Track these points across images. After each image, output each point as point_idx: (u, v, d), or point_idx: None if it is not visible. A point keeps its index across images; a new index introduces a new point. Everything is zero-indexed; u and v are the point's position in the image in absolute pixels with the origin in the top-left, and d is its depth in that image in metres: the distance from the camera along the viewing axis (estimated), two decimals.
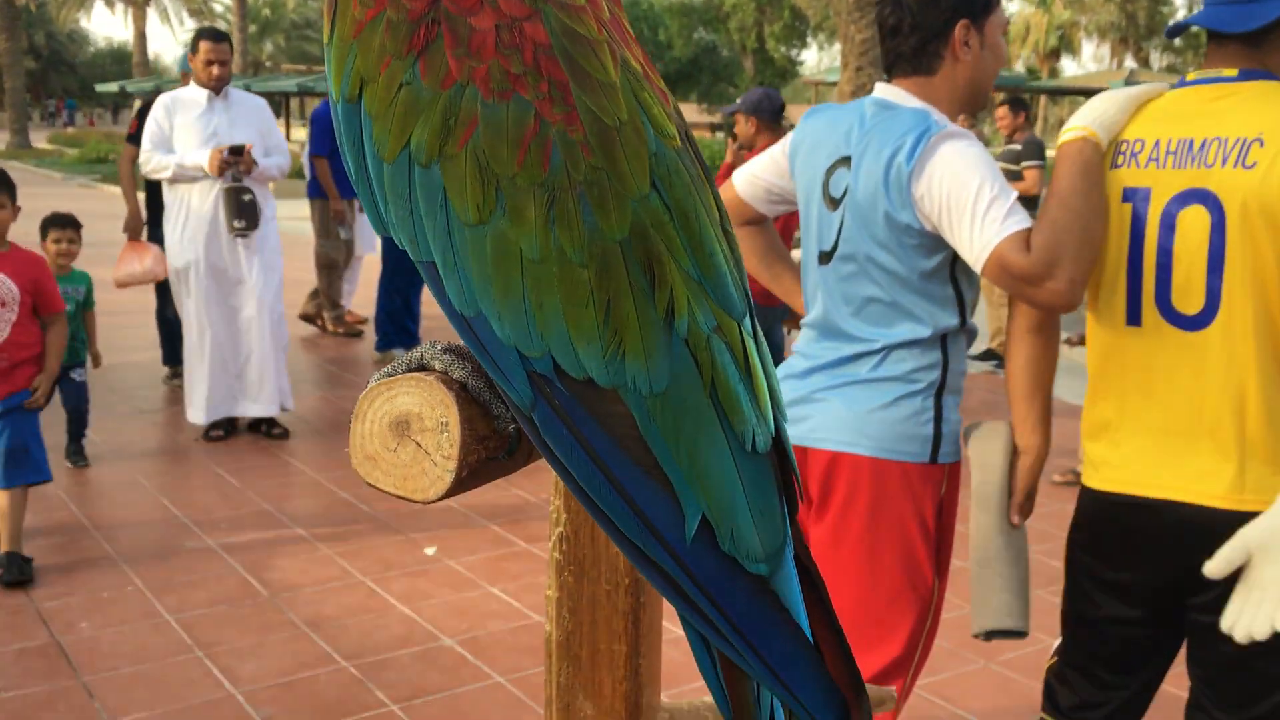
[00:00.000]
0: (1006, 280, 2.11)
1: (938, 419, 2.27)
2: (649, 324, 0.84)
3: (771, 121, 6.19)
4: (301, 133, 35.99)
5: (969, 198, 2.13)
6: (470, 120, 0.85)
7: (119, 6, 47.45)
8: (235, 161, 5.56)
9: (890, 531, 2.28)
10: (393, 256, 7.72)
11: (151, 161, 5.70)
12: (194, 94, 5.81)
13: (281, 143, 6.03)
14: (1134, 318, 2.07)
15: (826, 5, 32.03)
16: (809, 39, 46.98)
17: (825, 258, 2.35)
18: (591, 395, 0.84)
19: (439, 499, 0.78)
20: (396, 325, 7.70)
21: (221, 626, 3.79)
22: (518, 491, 5.15)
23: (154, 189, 6.44)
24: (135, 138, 7.75)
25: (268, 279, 5.85)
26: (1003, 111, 8.69)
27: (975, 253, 2.13)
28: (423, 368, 0.88)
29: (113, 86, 38.88)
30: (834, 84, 20.63)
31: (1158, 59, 39.98)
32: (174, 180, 5.74)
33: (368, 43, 0.89)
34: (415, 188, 0.87)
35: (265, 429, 6.05)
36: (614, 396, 0.84)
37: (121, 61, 57.31)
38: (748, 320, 0.91)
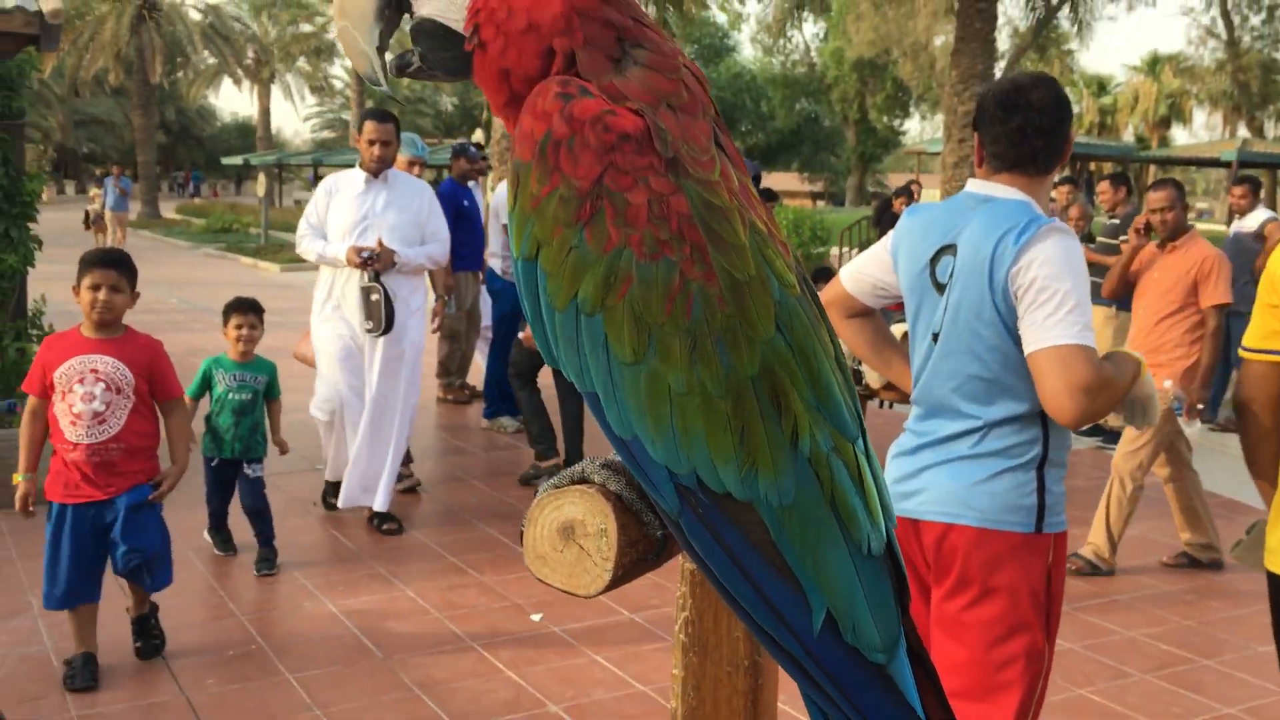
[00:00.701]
0: (1054, 376, 2.24)
1: (1040, 490, 2.38)
2: (777, 446, 1.02)
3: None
4: None
5: (1057, 292, 2.27)
6: (627, 277, 1.03)
7: (245, 84, 49.80)
8: (372, 259, 5.39)
9: (1000, 600, 2.37)
10: (502, 328, 7.96)
11: (301, 244, 5.67)
12: (355, 176, 5.69)
13: (441, 229, 5.82)
14: None
15: (929, 77, 32.12)
16: (911, 109, 46.97)
17: (932, 339, 2.48)
18: (730, 506, 1.01)
19: (598, 594, 0.91)
20: (504, 393, 7.92)
21: (337, 686, 3.95)
22: None
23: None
24: None
25: (400, 376, 5.64)
26: (1104, 186, 8.73)
27: (1039, 337, 2.27)
28: (584, 480, 1.04)
29: (237, 159, 40.79)
30: (936, 154, 20.63)
31: (1272, 128, 39.02)
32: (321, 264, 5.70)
33: (544, 213, 1.08)
34: (581, 332, 1.05)
35: (376, 523, 5.72)
36: (749, 507, 1.01)
37: (245, 135, 60.09)
38: (861, 441, 1.08)
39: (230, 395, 5.08)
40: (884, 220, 12.65)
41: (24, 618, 4.47)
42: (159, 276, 17.36)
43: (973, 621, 2.39)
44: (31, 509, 3.87)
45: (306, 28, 47.16)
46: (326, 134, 62.18)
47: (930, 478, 2.45)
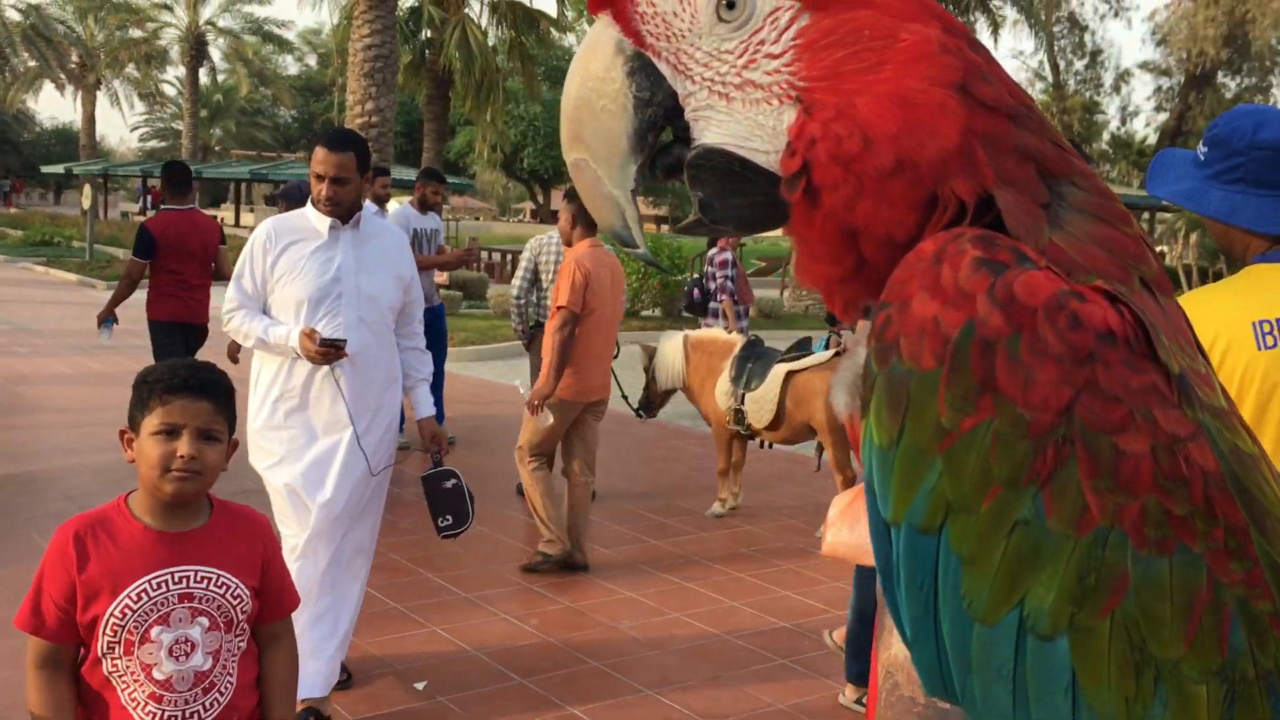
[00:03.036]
0: None
1: None
2: None
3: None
4: (251, 219, 35.73)
5: None
6: (1118, 579, 0.66)
7: (69, 89, 47.16)
8: (335, 354, 3.62)
9: None
10: None
11: (232, 322, 3.74)
12: (309, 220, 3.77)
13: (418, 294, 4.02)
14: None
15: None
16: None
17: None
18: None
19: None
20: None
21: None
22: None
23: None
24: (146, 245, 6.38)
25: (380, 501, 3.98)
26: None
27: None
28: None
29: (58, 168, 38.48)
30: None
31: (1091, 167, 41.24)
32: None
33: (962, 460, 0.70)
34: (1026, 663, 0.67)
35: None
36: None
37: (67, 143, 56.79)
38: None
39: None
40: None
41: None
42: None
43: None
44: None
45: (137, 33, 44.93)
46: (156, 144, 59.50)
47: None
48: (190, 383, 2.06)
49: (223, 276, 6.35)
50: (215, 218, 7.01)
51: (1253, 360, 1.94)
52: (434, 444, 3.96)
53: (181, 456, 2.01)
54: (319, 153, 3.74)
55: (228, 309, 3.75)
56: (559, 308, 5.37)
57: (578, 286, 5.34)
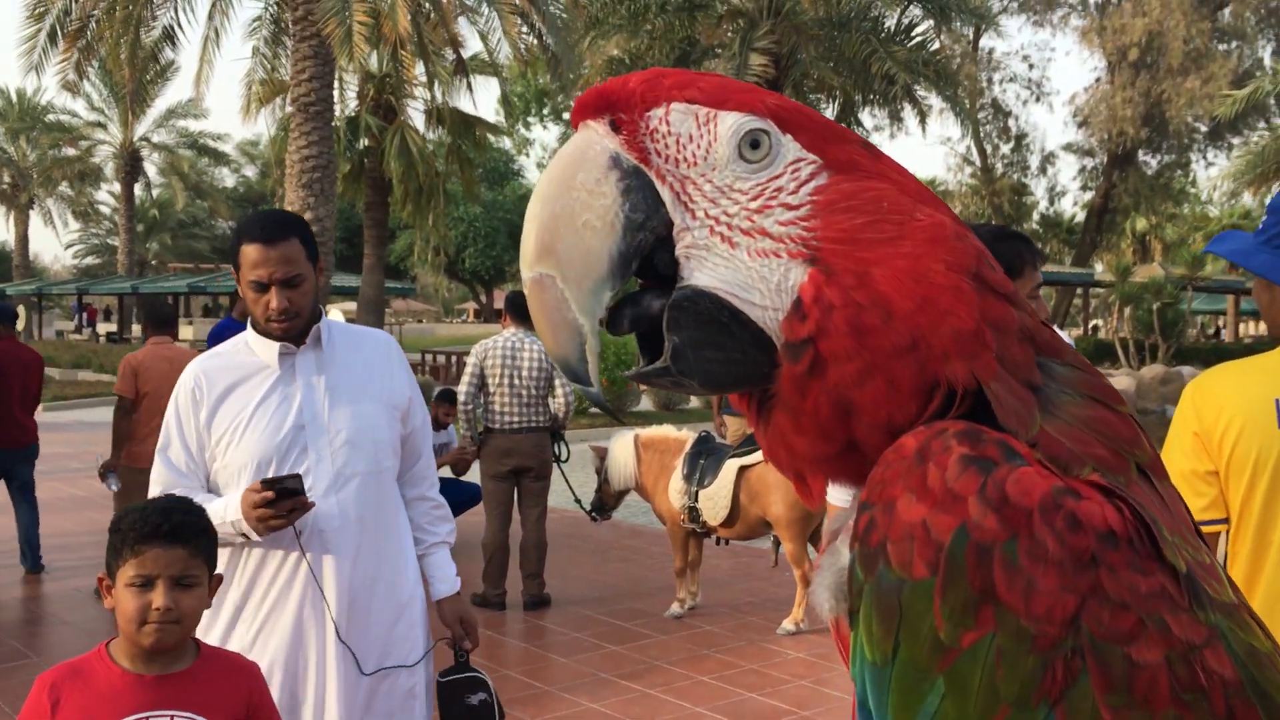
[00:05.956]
0: None
1: None
2: None
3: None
4: (189, 331, 35.33)
5: None
6: None
7: (1, 210, 46.73)
8: (292, 506, 2.46)
9: None
10: None
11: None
12: (252, 351, 2.69)
13: (422, 422, 2.84)
14: None
15: None
16: None
17: None
18: None
19: None
20: None
21: None
22: None
23: None
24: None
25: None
26: None
27: None
28: None
29: None
30: None
31: None
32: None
33: (965, 678, 0.63)
34: None
35: None
36: None
37: (0, 262, 56.14)
38: None
39: None
40: None
41: None
42: None
43: None
44: None
45: (70, 151, 44.78)
46: (92, 260, 58.96)
47: None
48: (162, 530, 1.98)
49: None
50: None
51: (1270, 439, 1.92)
52: (460, 631, 2.83)
53: (157, 609, 1.95)
54: (252, 252, 2.56)
55: (157, 482, 2.63)
56: None
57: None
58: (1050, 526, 0.65)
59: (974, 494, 0.67)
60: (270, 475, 2.52)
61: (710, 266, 0.78)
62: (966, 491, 0.67)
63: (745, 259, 0.78)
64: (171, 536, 1.97)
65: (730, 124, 0.78)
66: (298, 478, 2.48)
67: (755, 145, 0.79)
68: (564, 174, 0.79)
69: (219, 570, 2.41)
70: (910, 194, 0.79)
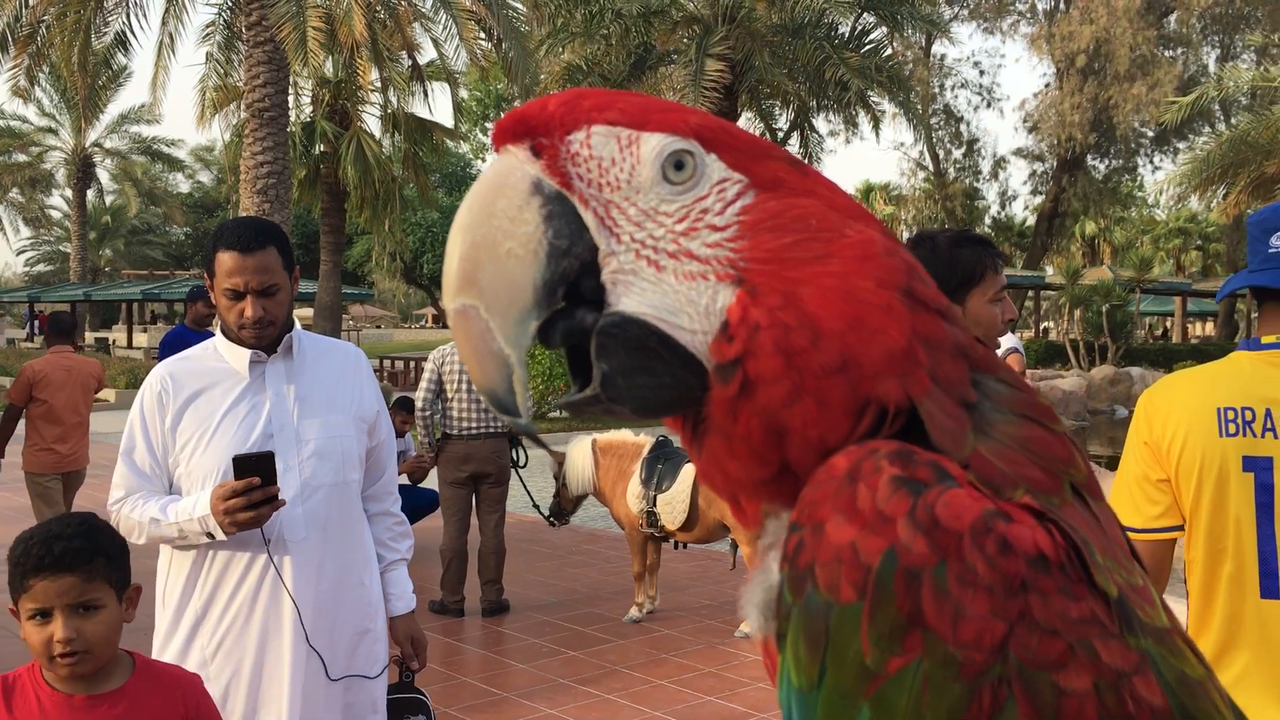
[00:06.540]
0: None
1: None
2: None
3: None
4: (143, 339, 34.90)
5: None
6: None
7: None
8: (262, 498, 2.42)
9: None
10: None
11: (130, 515, 2.56)
12: (222, 358, 2.66)
13: (387, 436, 2.84)
14: (1270, 590, 1.95)
15: None
16: None
17: None
18: None
19: None
20: None
21: None
22: None
23: None
24: None
25: None
26: None
27: None
28: None
29: None
30: None
31: None
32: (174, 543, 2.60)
33: (891, 705, 0.63)
34: None
35: None
36: None
37: None
38: None
39: None
40: None
41: None
42: None
43: None
44: None
45: (21, 158, 44.09)
46: (44, 267, 58.06)
47: None
48: (46, 561, 1.87)
49: None
50: None
51: (1211, 446, 1.98)
52: (410, 650, 2.82)
53: (59, 641, 1.85)
54: (228, 260, 2.53)
55: (114, 499, 2.59)
56: None
57: None
58: (980, 550, 0.65)
59: (904, 516, 0.66)
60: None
61: (638, 291, 0.77)
62: (896, 514, 0.67)
63: (673, 282, 0.76)
64: (58, 566, 1.87)
65: (653, 145, 0.77)
66: (270, 455, 2.44)
67: (680, 166, 0.78)
68: (484, 202, 0.77)
69: (172, 581, 2.54)
70: (839, 210, 0.79)
